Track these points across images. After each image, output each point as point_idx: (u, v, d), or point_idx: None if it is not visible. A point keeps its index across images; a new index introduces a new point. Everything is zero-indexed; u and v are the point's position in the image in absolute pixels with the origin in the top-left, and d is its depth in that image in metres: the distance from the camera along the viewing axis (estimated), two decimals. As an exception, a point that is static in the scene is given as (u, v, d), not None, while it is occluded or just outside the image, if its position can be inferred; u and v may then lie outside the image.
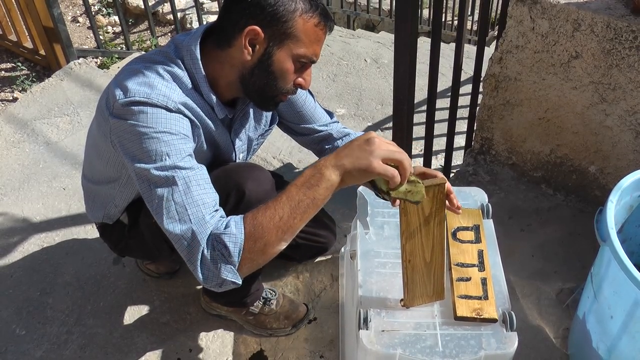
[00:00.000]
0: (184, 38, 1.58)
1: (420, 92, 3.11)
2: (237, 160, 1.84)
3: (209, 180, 1.47)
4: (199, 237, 1.37)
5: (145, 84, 1.47)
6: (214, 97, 1.59)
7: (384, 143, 1.33)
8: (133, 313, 2.20)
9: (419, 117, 2.68)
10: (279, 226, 1.35)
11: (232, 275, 1.37)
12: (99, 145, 1.65)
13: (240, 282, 1.39)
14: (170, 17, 4.81)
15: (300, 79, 1.59)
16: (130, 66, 1.56)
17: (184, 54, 1.56)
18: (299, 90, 1.68)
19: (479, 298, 1.55)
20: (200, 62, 1.55)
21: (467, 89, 2.82)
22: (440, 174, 1.55)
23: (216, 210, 1.43)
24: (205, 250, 1.36)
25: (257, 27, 1.48)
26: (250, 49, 1.51)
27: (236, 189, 1.63)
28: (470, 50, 4.00)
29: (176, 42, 1.59)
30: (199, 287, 2.20)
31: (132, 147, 1.46)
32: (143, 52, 4.13)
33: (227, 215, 1.43)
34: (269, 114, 1.88)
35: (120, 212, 1.86)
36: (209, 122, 1.62)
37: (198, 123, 1.57)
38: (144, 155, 1.44)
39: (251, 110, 1.80)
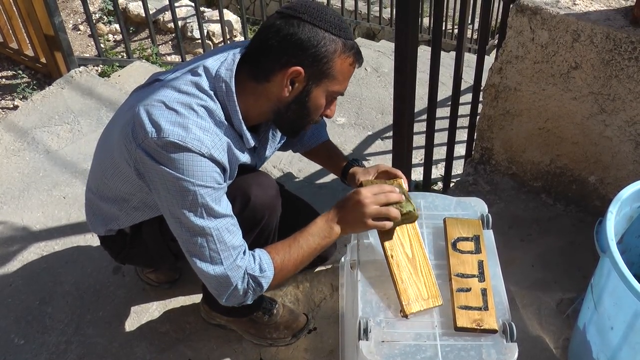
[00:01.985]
0: (218, 66, 1.57)
1: (421, 101, 3.12)
2: None
3: (237, 223, 1.59)
4: (232, 280, 1.55)
5: (179, 124, 1.47)
6: (247, 131, 1.62)
7: (373, 200, 1.61)
8: (132, 322, 2.20)
9: (419, 126, 2.68)
10: (296, 265, 1.64)
11: (253, 300, 1.65)
12: (118, 165, 1.64)
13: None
14: (171, 25, 4.82)
15: (328, 111, 1.68)
16: (160, 94, 1.54)
17: (217, 86, 1.56)
18: None
19: (479, 309, 1.54)
20: (235, 97, 1.56)
21: (467, 98, 2.82)
22: (400, 172, 1.82)
23: (244, 251, 1.58)
24: (240, 286, 1.57)
25: (300, 68, 1.52)
26: (290, 86, 1.55)
27: (241, 195, 1.66)
28: (470, 59, 4.01)
29: (208, 70, 1.57)
30: (199, 296, 2.20)
31: (166, 193, 1.50)
32: (144, 61, 4.13)
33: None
34: None
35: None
36: (238, 153, 1.63)
37: (228, 166, 1.58)
38: (180, 204, 1.50)
39: (269, 132, 1.83)
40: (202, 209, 1.49)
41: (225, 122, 1.57)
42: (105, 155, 1.72)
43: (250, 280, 1.57)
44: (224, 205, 1.55)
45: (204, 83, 1.56)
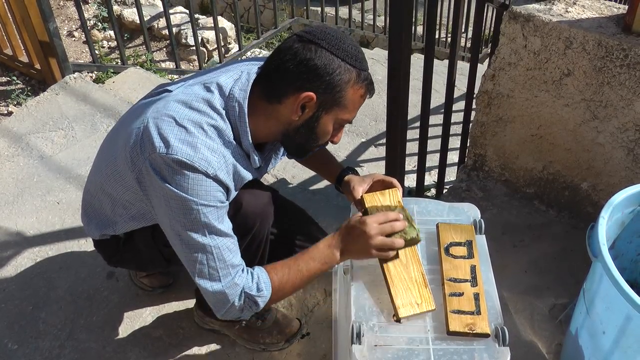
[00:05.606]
0: (232, 85, 1.58)
1: (414, 108, 3.13)
2: None
3: (237, 242, 1.60)
4: (229, 297, 1.58)
5: (188, 143, 1.47)
6: (254, 152, 1.63)
7: (378, 231, 1.61)
8: (126, 327, 2.20)
9: (413, 134, 2.69)
10: (294, 287, 1.65)
11: (249, 316, 1.67)
12: (120, 172, 1.63)
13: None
14: (166, 32, 4.82)
15: (335, 138, 1.70)
16: (170, 109, 1.54)
17: (229, 105, 1.56)
18: None
19: (472, 313, 1.55)
20: (247, 119, 1.56)
21: (460, 105, 2.84)
22: (396, 181, 1.83)
23: (242, 270, 1.60)
24: (237, 303, 1.59)
25: (312, 94, 1.52)
26: (300, 111, 1.56)
27: (233, 202, 1.65)
28: (463, 67, 4.03)
29: (221, 88, 1.58)
30: (192, 301, 2.19)
31: (169, 210, 1.51)
32: (138, 68, 4.14)
33: None
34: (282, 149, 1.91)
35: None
36: (244, 172, 1.63)
37: (232, 187, 1.59)
38: (181, 222, 1.51)
39: (273, 151, 1.84)
40: (203, 227, 1.51)
41: (234, 142, 1.57)
42: (107, 164, 1.70)
43: (247, 298, 1.59)
44: (226, 224, 1.56)
45: (216, 101, 1.56)
